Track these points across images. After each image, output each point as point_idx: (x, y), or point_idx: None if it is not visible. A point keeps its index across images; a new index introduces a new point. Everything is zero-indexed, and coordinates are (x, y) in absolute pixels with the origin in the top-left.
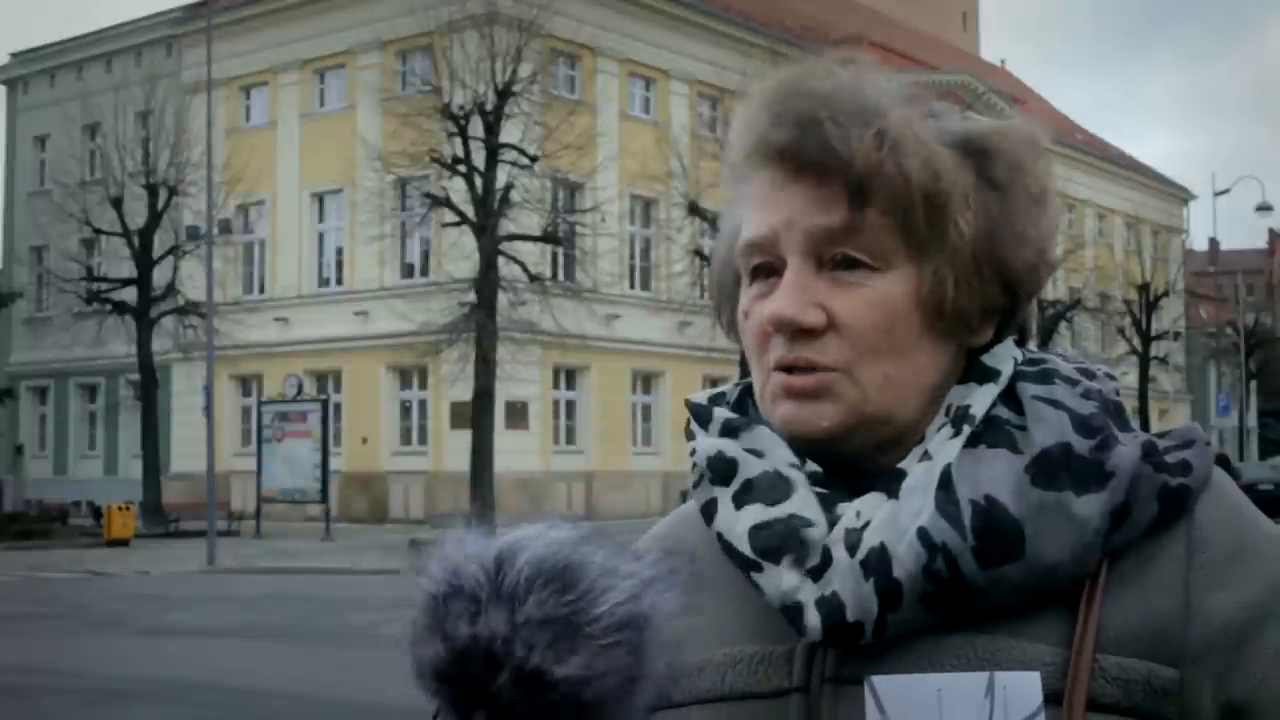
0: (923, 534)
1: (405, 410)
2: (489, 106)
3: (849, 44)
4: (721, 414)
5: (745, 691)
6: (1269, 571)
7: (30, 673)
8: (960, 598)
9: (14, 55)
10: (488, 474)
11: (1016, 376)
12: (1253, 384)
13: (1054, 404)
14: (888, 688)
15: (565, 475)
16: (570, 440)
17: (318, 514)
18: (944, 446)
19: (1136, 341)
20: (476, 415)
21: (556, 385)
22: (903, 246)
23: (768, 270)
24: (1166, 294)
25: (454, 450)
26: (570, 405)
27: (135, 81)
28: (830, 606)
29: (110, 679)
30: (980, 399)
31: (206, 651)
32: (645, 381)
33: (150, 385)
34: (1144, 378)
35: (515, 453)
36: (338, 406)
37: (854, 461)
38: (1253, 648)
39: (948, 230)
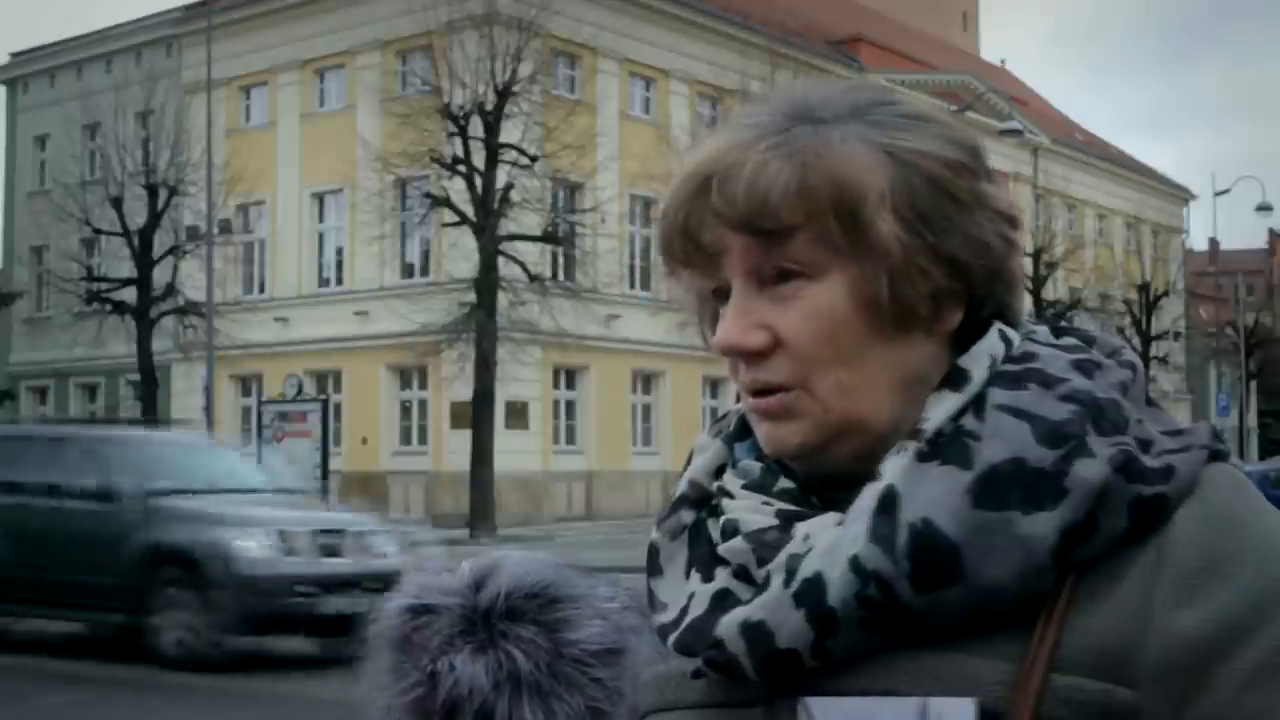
0: (854, 562)
1: (405, 410)
2: (489, 106)
3: (848, 44)
4: (707, 465)
5: (707, 701)
6: (1248, 585)
7: (30, 671)
8: (901, 621)
9: (14, 55)
10: (488, 474)
11: (993, 380)
12: (1253, 384)
13: (1018, 413)
14: (822, 710)
15: (565, 475)
16: (570, 440)
17: None
18: (891, 464)
19: (1136, 341)
20: (476, 415)
21: (556, 385)
22: (830, 252)
23: (725, 294)
24: (1166, 294)
25: (454, 450)
26: (570, 405)
27: (135, 81)
28: (755, 633)
29: (110, 678)
30: (938, 411)
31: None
32: (645, 381)
33: (150, 385)
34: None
35: (515, 453)
36: (338, 406)
37: (845, 471)
38: (1222, 669)
39: (868, 232)
